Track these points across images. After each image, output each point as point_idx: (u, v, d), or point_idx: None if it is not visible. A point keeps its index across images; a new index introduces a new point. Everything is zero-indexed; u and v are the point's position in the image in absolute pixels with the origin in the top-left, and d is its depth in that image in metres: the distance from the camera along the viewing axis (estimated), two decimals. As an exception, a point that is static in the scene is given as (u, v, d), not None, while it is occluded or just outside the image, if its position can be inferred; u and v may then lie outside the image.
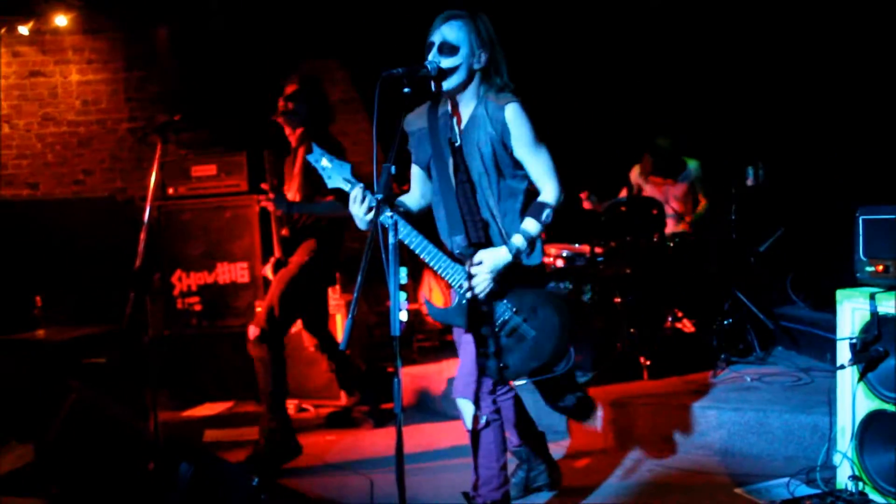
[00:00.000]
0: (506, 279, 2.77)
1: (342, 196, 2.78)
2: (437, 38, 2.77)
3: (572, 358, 2.80)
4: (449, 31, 2.76)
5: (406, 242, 2.72)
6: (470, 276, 2.73)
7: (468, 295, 2.75)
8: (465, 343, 2.92)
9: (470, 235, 2.83)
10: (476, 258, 2.75)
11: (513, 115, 2.77)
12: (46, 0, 6.24)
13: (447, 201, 2.87)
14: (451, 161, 2.87)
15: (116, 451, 3.89)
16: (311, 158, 2.81)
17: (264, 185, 4.02)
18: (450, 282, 2.82)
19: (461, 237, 2.82)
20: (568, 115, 5.53)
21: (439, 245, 2.84)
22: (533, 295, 2.80)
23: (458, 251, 2.81)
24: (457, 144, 2.87)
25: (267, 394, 4.04)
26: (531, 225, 2.78)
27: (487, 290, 2.73)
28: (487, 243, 2.83)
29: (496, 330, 2.78)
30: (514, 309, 2.78)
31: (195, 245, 5.61)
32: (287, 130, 4.23)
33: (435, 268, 2.78)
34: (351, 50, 6.48)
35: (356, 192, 2.71)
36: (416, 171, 3.08)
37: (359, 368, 4.81)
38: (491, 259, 2.73)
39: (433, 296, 5.89)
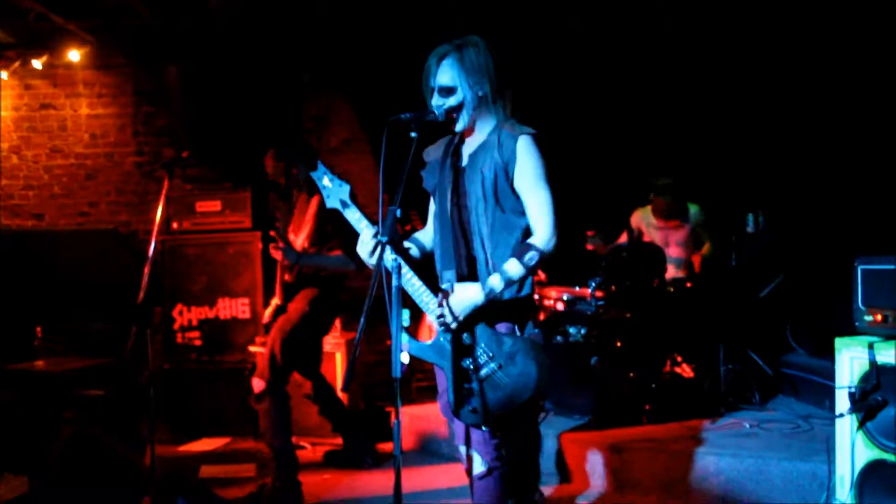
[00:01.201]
0: (486, 313, 2.65)
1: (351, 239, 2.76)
2: (434, 83, 2.75)
3: (549, 412, 2.70)
4: (442, 76, 2.72)
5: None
6: (442, 313, 2.62)
7: (436, 327, 2.64)
8: None
9: (461, 269, 2.74)
10: (452, 292, 2.63)
11: (524, 146, 2.69)
12: (61, 35, 6.36)
13: (443, 231, 2.79)
14: (450, 187, 2.80)
15: (112, 484, 3.87)
16: (313, 175, 2.81)
17: (273, 234, 4.07)
18: (429, 314, 2.70)
19: (451, 273, 2.72)
20: (569, 157, 5.59)
21: (434, 280, 2.76)
22: (512, 341, 2.65)
23: (443, 286, 2.72)
24: (462, 166, 2.82)
25: (276, 446, 4.04)
26: (513, 267, 2.62)
27: (453, 326, 2.62)
28: (471, 275, 2.73)
29: (470, 373, 2.66)
30: (491, 354, 2.65)
31: (197, 280, 5.64)
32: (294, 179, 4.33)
33: (418, 302, 2.69)
34: (358, 90, 6.56)
35: (366, 234, 2.67)
36: (432, 207, 3.00)
37: (347, 411, 4.77)
38: (460, 296, 2.61)
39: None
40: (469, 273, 2.73)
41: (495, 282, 2.61)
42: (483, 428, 2.70)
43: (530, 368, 2.61)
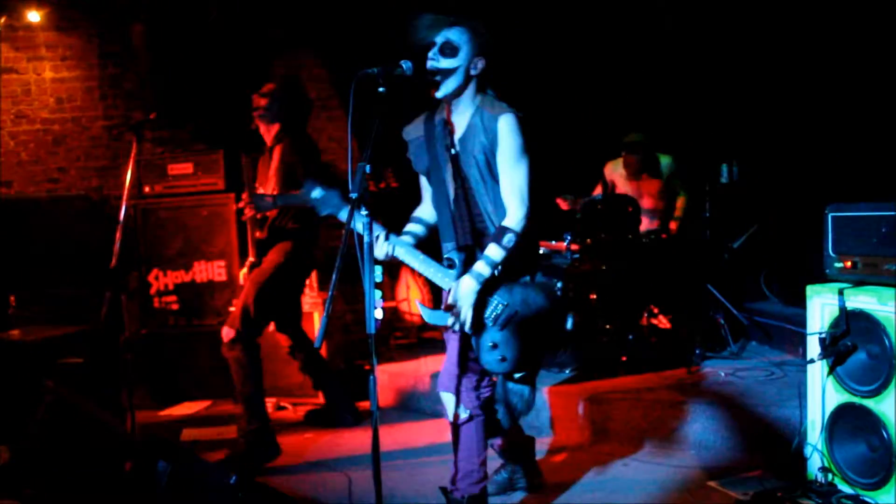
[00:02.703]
0: (497, 278, 2.84)
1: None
2: (439, 38, 2.81)
3: (570, 338, 2.91)
4: (453, 33, 2.81)
5: (394, 255, 2.85)
6: (453, 312, 2.80)
7: (455, 327, 2.82)
8: (453, 339, 2.96)
9: (459, 240, 2.90)
10: (449, 299, 2.81)
11: (504, 126, 2.80)
12: (19, -5, 6.18)
13: (441, 208, 2.94)
14: (448, 168, 2.92)
15: (93, 451, 3.87)
16: (303, 192, 2.94)
17: (244, 196, 4.01)
18: (440, 285, 2.90)
19: (451, 244, 2.89)
20: (542, 110, 5.56)
21: (436, 252, 2.93)
22: (521, 287, 2.87)
23: (446, 256, 2.90)
24: (454, 152, 2.91)
25: (244, 396, 4.03)
26: (494, 251, 2.80)
27: (471, 318, 2.79)
28: (476, 245, 2.90)
29: (490, 324, 2.84)
30: (505, 303, 2.83)
31: (172, 244, 5.58)
32: (262, 129, 4.23)
33: (424, 274, 2.88)
34: (329, 47, 6.47)
35: (378, 239, 2.86)
36: (424, 183, 3.13)
37: (328, 367, 4.79)
38: (464, 295, 2.78)
39: (411, 293, 5.91)
40: (475, 243, 2.91)
41: (482, 268, 2.79)
42: (515, 375, 2.96)
43: (544, 305, 2.85)
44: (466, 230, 2.91)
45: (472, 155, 2.85)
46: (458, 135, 2.91)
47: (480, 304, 2.83)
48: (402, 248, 2.87)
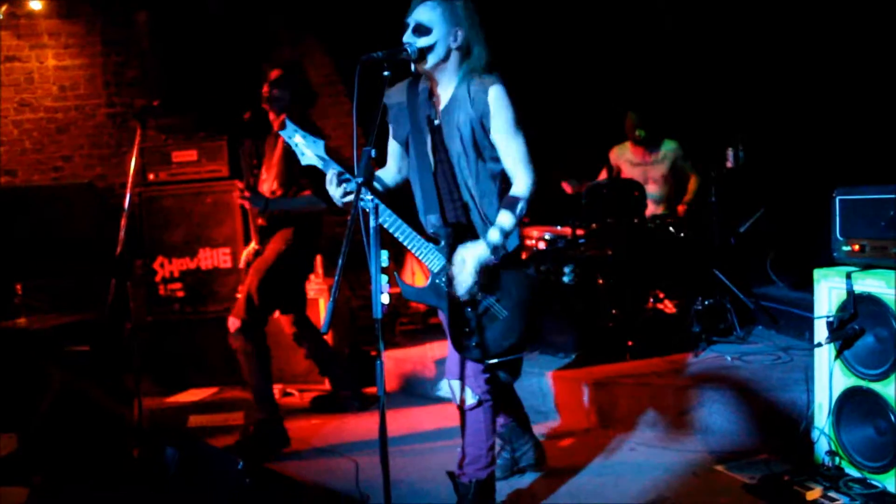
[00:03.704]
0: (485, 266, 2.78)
1: (319, 179, 2.78)
2: (411, 19, 2.76)
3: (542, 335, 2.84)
4: (422, 12, 2.75)
5: (380, 222, 2.69)
6: (451, 274, 2.74)
7: (457, 292, 2.75)
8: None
9: (447, 215, 2.85)
10: (457, 256, 2.73)
11: (495, 97, 2.74)
12: (20, -17, 6.16)
13: (423, 179, 2.88)
14: (429, 140, 2.87)
15: (101, 438, 3.89)
16: (283, 134, 2.83)
17: (240, 184, 4.02)
18: (423, 260, 2.82)
19: (436, 216, 2.83)
20: (547, 95, 5.54)
21: (415, 224, 2.84)
22: (504, 275, 2.81)
23: (431, 230, 2.83)
24: (436, 123, 2.86)
25: (252, 385, 4.05)
26: (506, 219, 2.76)
27: (472, 286, 2.74)
28: (468, 224, 2.84)
29: (470, 309, 2.80)
30: (488, 289, 2.79)
31: (177, 231, 5.58)
32: (272, 116, 4.22)
33: (409, 247, 2.79)
34: (333, 32, 6.44)
35: (331, 174, 2.75)
36: (393, 147, 3.08)
37: (337, 354, 4.80)
38: (472, 256, 2.71)
39: (416, 279, 5.90)
40: (458, 216, 2.85)
41: (494, 236, 2.73)
42: (486, 362, 2.86)
43: (524, 297, 2.80)
44: (457, 205, 2.85)
45: (457, 127, 2.79)
46: (441, 106, 2.86)
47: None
48: (390, 218, 2.75)
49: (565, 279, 4.75)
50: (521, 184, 2.79)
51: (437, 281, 2.79)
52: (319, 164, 2.79)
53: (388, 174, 3.10)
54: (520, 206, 2.77)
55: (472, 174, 2.82)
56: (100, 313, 4.55)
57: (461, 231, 2.82)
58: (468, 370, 2.92)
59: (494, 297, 2.80)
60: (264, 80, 4.18)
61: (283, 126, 2.82)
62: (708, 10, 5.76)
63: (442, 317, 2.97)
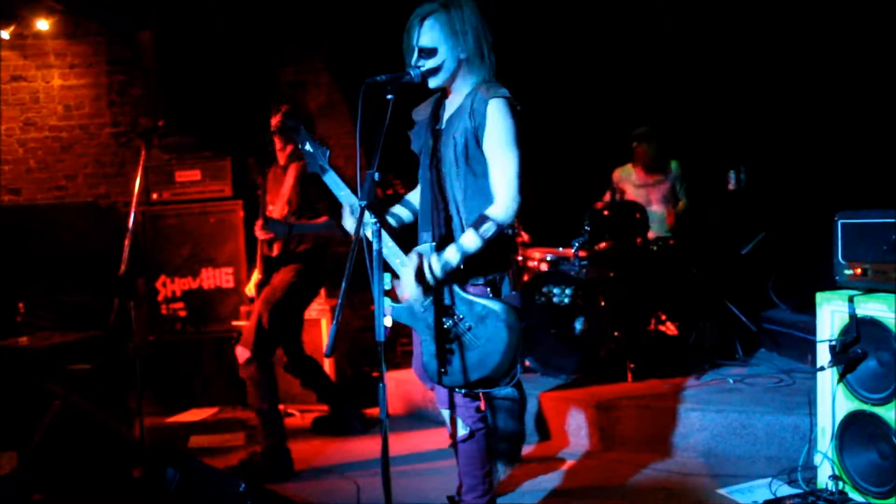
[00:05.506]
0: (455, 275, 2.61)
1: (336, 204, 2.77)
2: (415, 43, 2.68)
3: (518, 375, 2.63)
4: (424, 36, 2.66)
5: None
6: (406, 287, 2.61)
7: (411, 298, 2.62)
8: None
9: (434, 231, 2.69)
10: (408, 257, 2.60)
11: (494, 109, 2.60)
12: (27, 4, 6.20)
13: (423, 193, 2.78)
14: (430, 150, 2.77)
15: (101, 457, 3.88)
16: (297, 139, 2.84)
17: (259, 220, 4.01)
18: (400, 276, 2.67)
19: (428, 234, 2.69)
20: (550, 116, 5.56)
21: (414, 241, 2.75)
22: (483, 303, 2.59)
23: (419, 246, 2.68)
24: (437, 128, 2.79)
25: (260, 413, 4.04)
26: (469, 240, 2.57)
27: (418, 294, 2.59)
28: (448, 238, 2.68)
29: (439, 334, 2.64)
30: (461, 315, 2.62)
31: (179, 250, 5.60)
32: (277, 146, 4.24)
33: (392, 264, 2.65)
34: (336, 53, 6.48)
35: (347, 211, 2.73)
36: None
37: (329, 381, 4.77)
38: (413, 264, 2.56)
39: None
40: (447, 234, 2.69)
41: (451, 255, 2.57)
42: (457, 390, 2.73)
43: (501, 331, 2.57)
44: (441, 219, 2.69)
45: (452, 136, 2.67)
46: (448, 112, 2.78)
47: (440, 309, 2.62)
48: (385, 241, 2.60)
49: (566, 300, 4.74)
50: (499, 206, 2.60)
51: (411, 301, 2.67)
52: (320, 173, 2.77)
53: (416, 197, 2.94)
54: (486, 225, 2.55)
55: (461, 188, 2.67)
56: (102, 332, 4.55)
57: (440, 245, 2.65)
58: (458, 399, 2.82)
59: (466, 324, 2.61)
60: (274, 112, 4.21)
61: (303, 167, 2.82)
62: (711, 34, 5.79)
63: (415, 340, 2.90)
